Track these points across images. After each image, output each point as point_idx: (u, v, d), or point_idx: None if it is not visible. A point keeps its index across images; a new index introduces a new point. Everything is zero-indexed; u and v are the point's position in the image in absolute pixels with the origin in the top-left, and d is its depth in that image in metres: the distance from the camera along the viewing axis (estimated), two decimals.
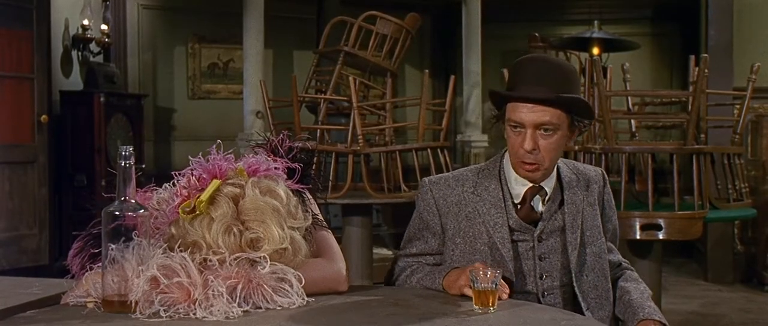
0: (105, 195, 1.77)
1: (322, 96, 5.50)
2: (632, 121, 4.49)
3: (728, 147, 4.20)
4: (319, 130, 5.10)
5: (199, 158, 1.82)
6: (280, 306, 1.71)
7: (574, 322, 1.70)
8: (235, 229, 1.72)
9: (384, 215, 7.25)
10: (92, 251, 1.80)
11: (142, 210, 1.70)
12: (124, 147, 1.72)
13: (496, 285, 1.77)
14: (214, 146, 1.82)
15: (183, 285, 1.64)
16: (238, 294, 1.67)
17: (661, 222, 3.75)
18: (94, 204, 1.82)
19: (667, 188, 4.13)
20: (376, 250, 5.86)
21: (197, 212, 1.72)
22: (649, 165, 3.83)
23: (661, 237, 3.78)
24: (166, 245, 1.72)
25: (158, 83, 7.79)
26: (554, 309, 1.91)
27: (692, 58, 4.27)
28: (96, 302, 1.72)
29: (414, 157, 4.81)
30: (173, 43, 7.84)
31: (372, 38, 5.63)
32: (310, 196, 1.95)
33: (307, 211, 1.88)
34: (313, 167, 1.99)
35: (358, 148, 4.73)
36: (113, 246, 1.67)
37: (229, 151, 1.84)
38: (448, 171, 4.52)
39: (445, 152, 4.91)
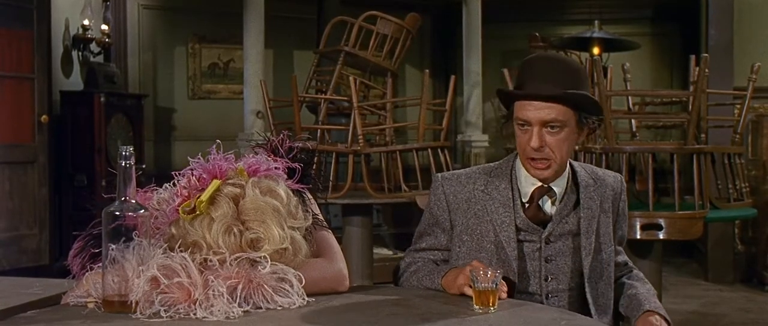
0: (105, 196, 1.77)
1: (323, 96, 5.50)
2: (633, 121, 4.49)
3: (729, 147, 4.21)
4: (319, 130, 5.10)
5: (199, 158, 1.82)
6: (280, 306, 1.71)
7: (574, 322, 1.70)
8: (235, 229, 1.71)
9: (384, 215, 7.25)
10: (92, 251, 1.80)
11: (142, 211, 1.70)
12: (125, 147, 1.72)
13: (496, 284, 1.77)
14: (215, 146, 1.82)
15: (183, 285, 1.64)
16: (238, 295, 1.67)
17: (662, 222, 3.75)
18: (94, 205, 1.82)
19: (668, 188, 4.14)
20: (376, 250, 5.87)
21: (197, 212, 1.72)
22: (649, 165, 3.83)
23: (661, 237, 3.78)
24: (166, 245, 1.72)
25: (158, 83, 7.79)
26: (555, 309, 1.91)
27: (692, 57, 4.27)
28: (96, 302, 1.72)
29: (414, 156, 4.82)
30: (173, 43, 7.84)
31: (372, 38, 5.63)
32: (310, 196, 1.95)
33: (307, 211, 1.87)
34: (314, 167, 1.99)
35: (359, 147, 4.73)
36: (113, 246, 1.67)
37: (230, 151, 1.84)
38: (448, 170, 4.52)
39: (446, 152, 4.92)
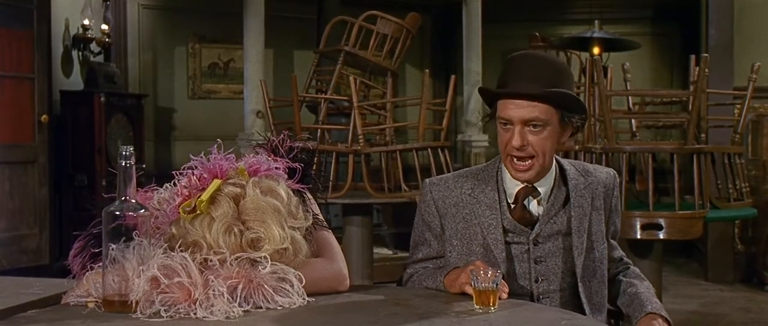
0: (105, 195, 1.77)
1: (323, 96, 5.50)
2: (633, 121, 4.49)
3: (729, 146, 4.21)
4: (319, 130, 5.10)
5: (200, 158, 1.82)
6: (280, 306, 1.71)
7: (574, 322, 1.70)
8: (235, 229, 1.71)
9: (384, 215, 7.25)
10: (93, 251, 1.80)
11: (142, 210, 1.71)
12: (125, 147, 1.72)
13: (496, 284, 1.77)
14: (215, 146, 1.82)
15: (184, 285, 1.64)
16: (238, 294, 1.67)
17: (662, 221, 3.75)
18: (94, 204, 1.82)
19: (668, 188, 4.14)
20: (376, 250, 5.87)
21: (198, 212, 1.72)
22: (649, 165, 3.83)
23: (661, 236, 3.78)
24: (166, 245, 1.72)
25: (159, 83, 7.79)
26: (555, 309, 1.92)
27: (693, 57, 4.27)
28: (96, 302, 1.72)
29: (414, 156, 4.82)
30: (174, 43, 7.84)
31: (372, 38, 5.63)
32: (310, 196, 1.95)
33: (307, 211, 1.87)
34: (314, 167, 1.99)
35: (359, 147, 4.73)
36: (114, 246, 1.67)
37: (230, 151, 1.84)
38: (448, 171, 4.52)
39: (446, 152, 4.91)
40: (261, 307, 1.69)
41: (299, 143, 1.97)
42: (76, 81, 6.81)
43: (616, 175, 2.23)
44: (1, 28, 5.77)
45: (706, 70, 3.87)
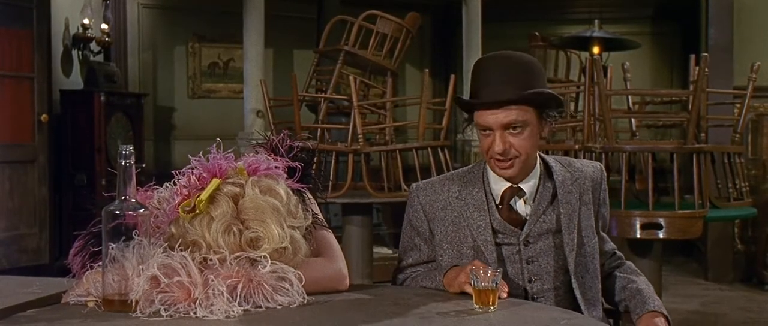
0: (105, 195, 1.77)
1: (323, 95, 5.50)
2: (632, 120, 4.49)
3: (728, 146, 4.21)
4: (319, 129, 5.10)
5: (200, 157, 1.82)
6: (280, 305, 1.71)
7: (574, 321, 1.70)
8: (234, 228, 1.71)
9: (384, 214, 7.25)
10: (93, 250, 1.80)
11: (142, 210, 1.71)
12: (125, 146, 1.72)
13: (496, 284, 1.77)
14: (214, 145, 1.82)
15: (183, 284, 1.64)
16: (238, 294, 1.67)
17: (662, 221, 3.75)
18: (94, 204, 1.82)
19: (668, 187, 4.14)
20: (376, 249, 5.87)
21: (197, 211, 1.72)
22: (649, 165, 3.83)
23: (661, 236, 3.78)
24: (166, 244, 1.72)
25: (158, 82, 7.79)
26: (554, 309, 1.91)
27: (692, 57, 4.27)
28: (96, 301, 1.72)
29: (414, 156, 4.81)
30: (173, 43, 7.84)
31: (372, 37, 5.63)
32: (310, 195, 1.95)
33: (307, 210, 1.87)
34: (314, 166, 1.99)
35: (359, 147, 4.73)
36: (114, 245, 1.67)
37: (230, 151, 1.84)
38: (448, 170, 4.52)
39: (446, 151, 4.91)
40: (261, 306, 1.69)
41: (299, 142, 1.97)
42: (75, 80, 6.81)
43: (603, 169, 2.22)
44: (0, 28, 5.77)
45: (706, 70, 3.87)
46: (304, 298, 1.74)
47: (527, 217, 2.09)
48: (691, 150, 3.84)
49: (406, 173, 4.90)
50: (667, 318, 2.09)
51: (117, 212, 1.68)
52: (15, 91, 5.92)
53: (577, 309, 2.08)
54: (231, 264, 1.69)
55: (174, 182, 1.83)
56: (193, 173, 1.79)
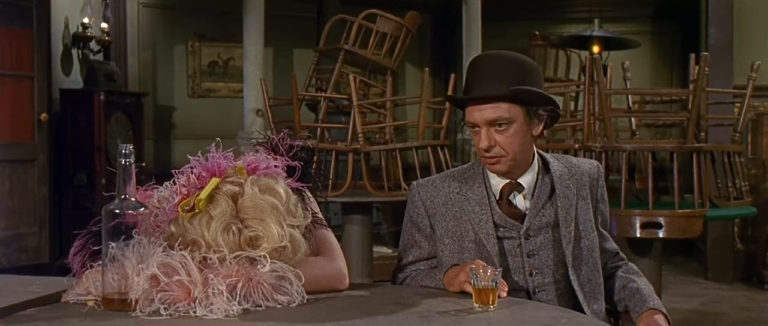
0: (105, 194, 1.77)
1: (323, 94, 5.50)
2: (632, 120, 4.49)
3: (728, 145, 4.21)
4: (319, 129, 5.10)
5: (199, 156, 1.82)
6: (279, 304, 1.71)
7: (574, 321, 1.70)
8: (234, 227, 1.71)
9: (384, 213, 7.25)
10: (92, 249, 1.80)
11: (142, 209, 1.71)
12: (124, 145, 1.72)
13: (496, 283, 1.77)
14: (214, 144, 1.82)
15: (183, 283, 1.64)
16: (238, 293, 1.67)
17: (662, 220, 3.75)
18: (94, 203, 1.82)
19: (668, 186, 4.14)
20: (376, 248, 5.87)
21: (196, 210, 1.72)
22: (649, 164, 3.83)
23: (661, 235, 3.78)
24: (166, 243, 1.72)
25: (158, 81, 7.79)
26: (554, 308, 1.91)
27: (692, 56, 4.27)
28: (96, 300, 1.72)
29: (414, 155, 4.81)
30: (173, 42, 7.84)
31: (372, 36, 5.63)
32: (309, 194, 1.95)
33: (306, 209, 1.87)
34: (313, 165, 1.99)
35: (359, 146, 4.73)
36: (113, 244, 1.67)
37: (229, 150, 1.83)
38: (448, 169, 4.52)
39: (445, 150, 4.91)
40: (260, 306, 1.69)
41: (299, 141, 1.97)
42: (75, 79, 6.81)
43: (600, 166, 2.25)
44: (0, 27, 5.77)
45: (706, 69, 3.87)
46: (303, 297, 1.74)
47: (527, 212, 2.12)
48: (691, 149, 3.84)
49: (405, 172, 4.90)
50: (666, 316, 2.10)
51: (117, 211, 1.68)
52: (15, 90, 5.92)
53: (578, 302, 2.10)
54: (230, 263, 1.69)
55: (174, 181, 1.83)
56: (192, 172, 1.79)
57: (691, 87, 3.97)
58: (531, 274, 2.11)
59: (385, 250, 6.74)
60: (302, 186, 1.89)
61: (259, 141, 1.98)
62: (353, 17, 5.67)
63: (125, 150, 1.71)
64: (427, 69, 5.17)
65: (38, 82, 6.04)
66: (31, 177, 6.02)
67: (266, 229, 1.72)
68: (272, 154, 1.90)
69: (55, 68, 6.44)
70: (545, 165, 2.16)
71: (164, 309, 1.63)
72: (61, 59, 6.63)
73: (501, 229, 2.11)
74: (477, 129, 2.06)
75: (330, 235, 1.97)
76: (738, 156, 4.19)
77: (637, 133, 4.48)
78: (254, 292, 1.69)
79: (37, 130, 6.05)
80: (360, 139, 4.72)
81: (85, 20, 6.75)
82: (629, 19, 8.53)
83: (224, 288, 1.65)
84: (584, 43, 7.27)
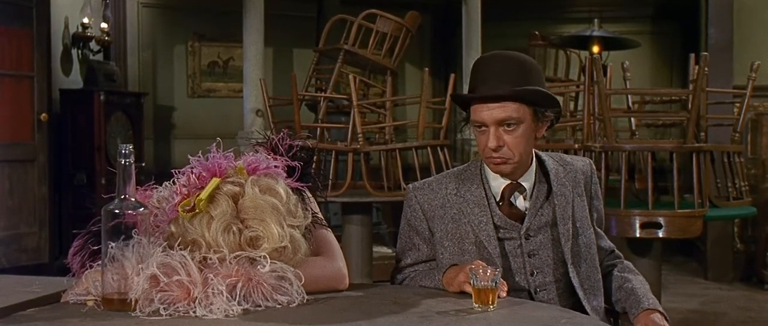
0: (105, 194, 1.77)
1: (322, 94, 5.50)
2: (632, 120, 4.49)
3: (728, 145, 4.21)
4: (319, 129, 5.10)
5: (199, 156, 1.82)
6: (279, 304, 1.71)
7: (574, 321, 1.70)
8: (234, 228, 1.71)
9: (384, 213, 7.25)
10: (92, 249, 1.80)
11: (142, 209, 1.71)
12: (124, 145, 1.72)
13: (496, 283, 1.77)
14: (214, 144, 1.82)
15: (183, 283, 1.64)
16: (237, 293, 1.67)
17: (661, 220, 3.75)
18: (94, 203, 1.82)
19: (667, 186, 4.14)
20: (375, 248, 5.87)
21: (196, 210, 1.72)
22: (649, 164, 3.83)
23: (661, 235, 3.78)
24: (165, 243, 1.72)
25: (158, 81, 7.79)
26: (554, 308, 1.91)
27: (692, 56, 4.27)
28: (96, 300, 1.72)
29: (414, 155, 4.81)
30: (173, 42, 7.84)
31: (372, 36, 5.63)
32: (309, 194, 1.95)
33: (306, 209, 1.87)
34: (313, 165, 1.99)
35: (358, 146, 4.73)
36: (113, 244, 1.67)
37: (229, 150, 1.83)
38: (448, 169, 4.52)
39: (445, 150, 4.91)
40: (260, 306, 1.69)
41: (299, 141, 1.97)
42: (75, 79, 6.81)
43: (592, 163, 2.26)
44: (0, 27, 5.77)
45: (706, 69, 3.87)
46: (303, 297, 1.74)
47: (526, 212, 2.12)
48: (691, 149, 3.84)
49: (405, 172, 4.90)
50: (662, 314, 2.10)
51: (117, 211, 1.68)
52: (15, 90, 5.92)
53: (578, 300, 2.10)
54: (230, 263, 1.69)
55: (173, 181, 1.82)
56: (192, 172, 1.79)
57: (691, 87, 3.97)
58: (532, 274, 2.11)
59: (384, 250, 6.74)
60: (302, 187, 1.89)
61: (259, 141, 1.98)
62: (353, 17, 5.67)
63: (125, 150, 1.71)
64: (426, 69, 5.17)
65: (38, 82, 6.04)
66: (31, 177, 6.02)
67: (267, 229, 1.72)
68: (272, 154, 1.90)
69: (55, 68, 6.44)
70: (541, 165, 2.17)
71: (164, 309, 1.63)
72: (61, 59, 6.63)
73: (501, 230, 2.11)
74: (484, 128, 2.05)
75: (330, 235, 1.97)
76: (738, 156, 4.19)
77: (636, 133, 4.48)
78: (254, 292, 1.69)
79: (37, 130, 6.05)
80: (360, 139, 4.72)
81: (85, 20, 6.75)
82: (629, 19, 8.53)
83: (224, 288, 1.65)
84: (584, 43, 7.27)
